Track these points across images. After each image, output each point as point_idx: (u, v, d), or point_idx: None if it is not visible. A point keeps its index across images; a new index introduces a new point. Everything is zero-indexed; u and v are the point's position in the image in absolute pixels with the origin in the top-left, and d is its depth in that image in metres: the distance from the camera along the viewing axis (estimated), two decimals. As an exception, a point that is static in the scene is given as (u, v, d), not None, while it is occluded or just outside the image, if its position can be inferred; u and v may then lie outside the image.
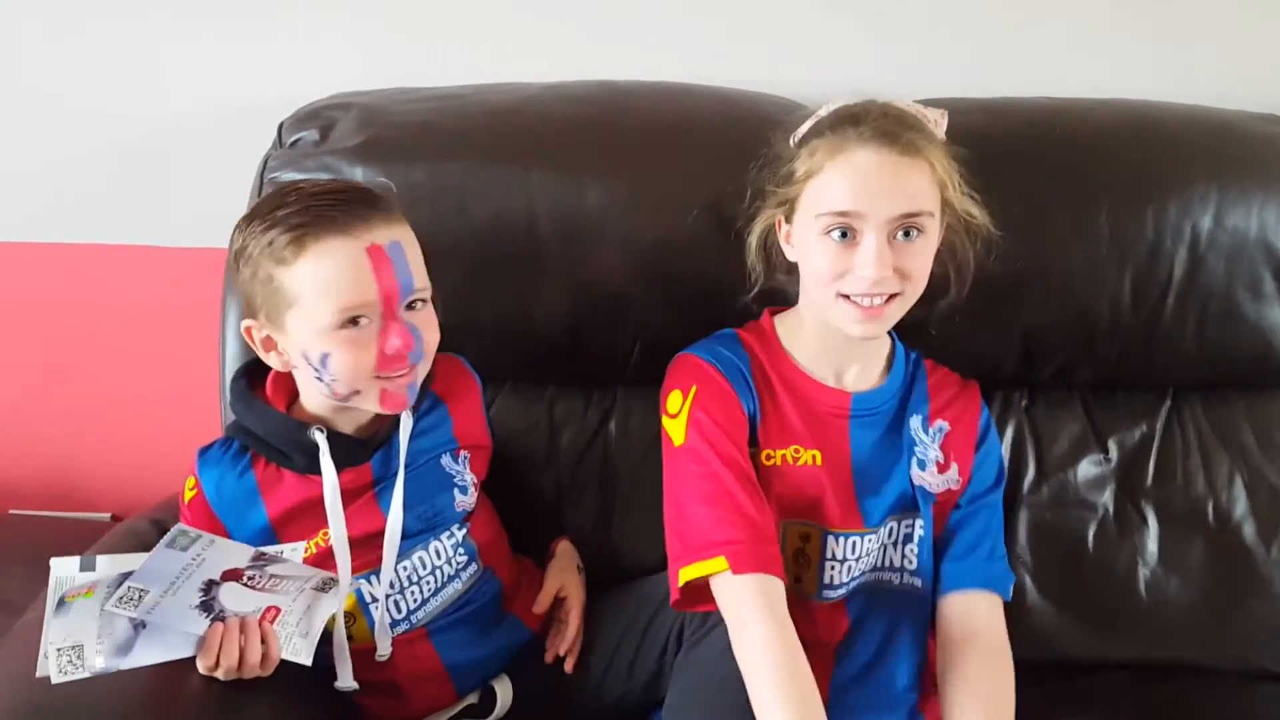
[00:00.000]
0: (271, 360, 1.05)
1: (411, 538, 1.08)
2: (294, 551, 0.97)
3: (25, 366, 1.64)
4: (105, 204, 1.54)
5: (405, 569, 1.08)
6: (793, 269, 1.12)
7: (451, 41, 1.43)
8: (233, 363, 1.29)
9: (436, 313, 1.06)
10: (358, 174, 1.21)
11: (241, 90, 1.45)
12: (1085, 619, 1.29)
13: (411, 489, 1.07)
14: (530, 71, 1.34)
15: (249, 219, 1.01)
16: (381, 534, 1.05)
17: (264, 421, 1.06)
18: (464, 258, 1.22)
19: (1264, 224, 1.25)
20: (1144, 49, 1.42)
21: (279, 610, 0.97)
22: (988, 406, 1.23)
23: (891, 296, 1.02)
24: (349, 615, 1.07)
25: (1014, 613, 1.25)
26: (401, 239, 1.00)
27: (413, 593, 1.09)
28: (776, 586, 0.99)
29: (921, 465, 1.13)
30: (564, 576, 1.20)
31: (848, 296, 1.02)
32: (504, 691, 1.15)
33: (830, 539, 1.10)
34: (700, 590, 1.02)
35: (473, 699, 1.14)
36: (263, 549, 0.94)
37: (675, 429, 1.09)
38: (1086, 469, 1.32)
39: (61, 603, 0.87)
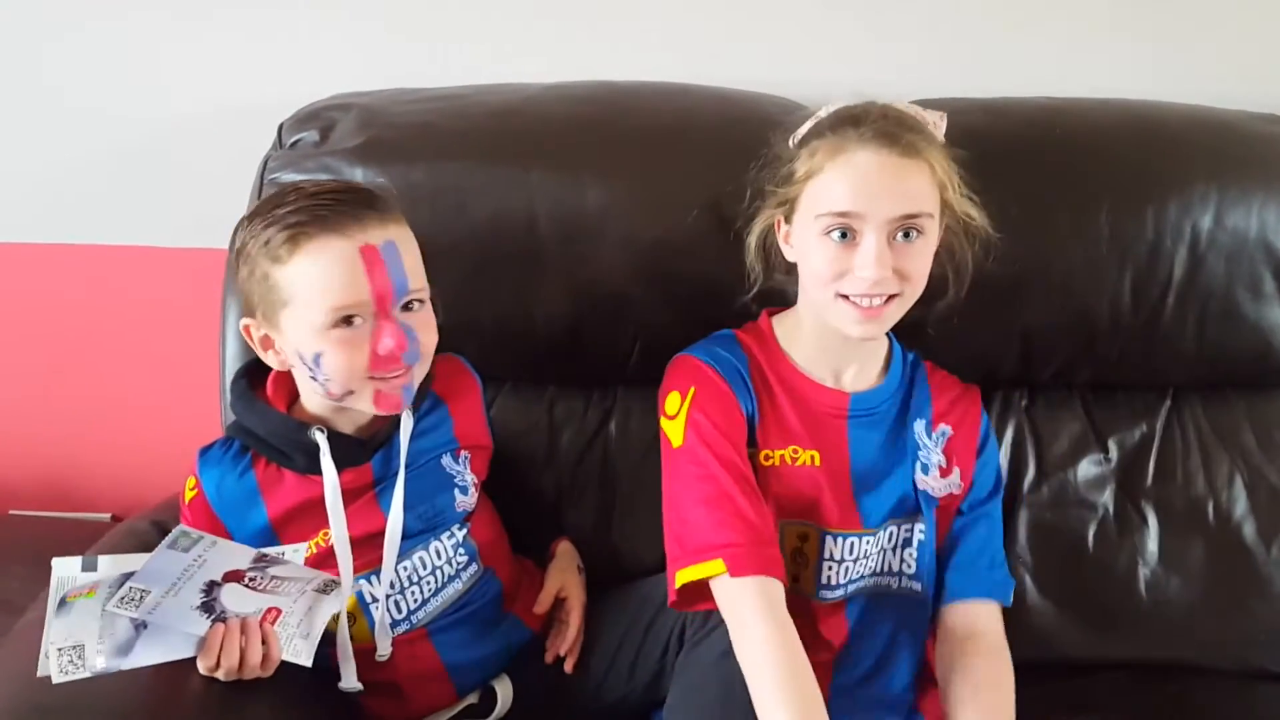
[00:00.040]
0: (269, 359, 1.05)
1: (412, 538, 1.08)
2: (296, 553, 0.97)
3: (25, 367, 1.64)
4: (105, 204, 1.54)
5: (405, 569, 1.08)
6: (791, 269, 1.12)
7: (451, 42, 1.43)
8: (233, 363, 1.29)
9: (436, 314, 1.06)
10: (358, 175, 1.21)
11: (242, 91, 1.45)
12: (1085, 619, 1.29)
13: (412, 489, 1.07)
14: (530, 72, 1.34)
15: (250, 218, 1.02)
16: (382, 534, 1.05)
17: (264, 422, 1.07)
18: (464, 258, 1.22)
19: (1264, 224, 1.25)
20: (1144, 49, 1.42)
21: (280, 611, 0.97)
22: (988, 406, 1.23)
23: (891, 297, 1.02)
24: (349, 615, 1.07)
25: (1014, 613, 1.25)
26: (397, 239, 1.00)
27: (413, 593, 1.09)
28: (776, 588, 0.99)
29: (925, 469, 1.13)
30: (564, 577, 1.20)
31: (847, 297, 1.03)
32: (504, 691, 1.15)
33: (828, 539, 1.10)
34: (697, 591, 1.02)
35: (473, 699, 1.14)
36: (264, 551, 0.94)
37: (674, 430, 1.09)
38: (1086, 469, 1.32)
39: (63, 603, 0.87)
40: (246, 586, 0.94)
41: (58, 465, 1.69)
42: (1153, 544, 1.30)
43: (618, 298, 1.25)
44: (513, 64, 1.41)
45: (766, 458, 1.09)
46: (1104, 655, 1.29)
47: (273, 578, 0.95)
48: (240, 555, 0.93)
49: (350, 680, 1.07)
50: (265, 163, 1.26)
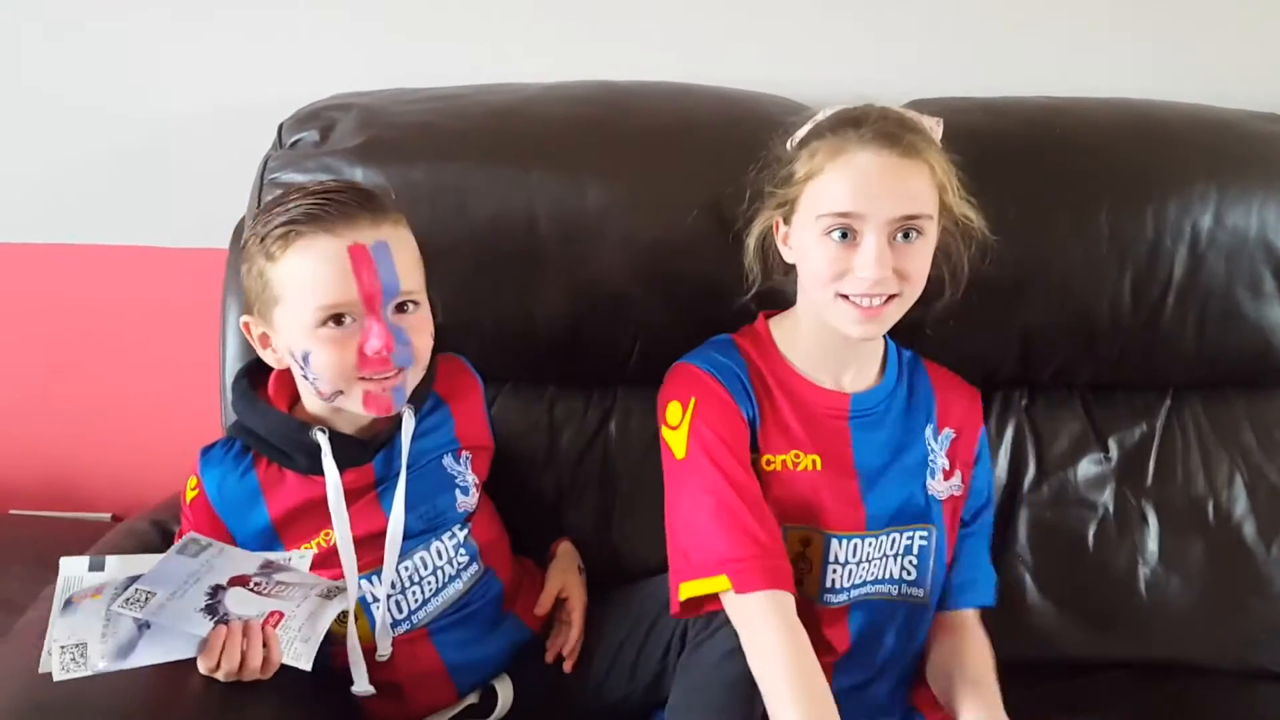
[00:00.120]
0: (267, 357, 1.06)
1: (413, 538, 1.08)
2: (302, 559, 0.97)
3: (26, 367, 1.64)
4: (105, 204, 1.54)
5: (406, 569, 1.08)
6: (790, 270, 1.12)
7: (451, 42, 1.43)
8: (233, 363, 1.29)
9: (435, 315, 1.06)
10: (358, 175, 1.21)
11: (242, 90, 1.45)
12: (1085, 618, 1.29)
13: (413, 489, 1.06)
14: (530, 72, 1.34)
15: (254, 216, 1.02)
16: (383, 534, 1.05)
17: (266, 421, 1.07)
18: (464, 258, 1.22)
19: (1264, 223, 1.25)
20: (1143, 48, 1.43)
21: (282, 615, 0.97)
22: (988, 406, 1.23)
23: (890, 297, 1.02)
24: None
25: (1014, 613, 1.27)
26: (390, 240, 0.99)
27: (414, 593, 1.09)
28: (786, 600, 0.99)
29: (932, 474, 1.13)
30: (565, 577, 1.20)
31: (847, 297, 1.03)
32: (505, 691, 1.14)
33: (833, 541, 1.09)
34: (699, 600, 1.03)
35: (473, 699, 1.14)
36: (271, 557, 0.94)
37: (676, 441, 1.08)
38: (1087, 468, 1.32)
39: (68, 603, 0.87)
40: (251, 590, 0.94)
41: (58, 465, 1.69)
42: (1153, 543, 1.30)
43: (618, 298, 1.25)
44: (513, 64, 1.41)
45: (768, 463, 1.09)
46: (1104, 654, 1.29)
47: (278, 583, 0.95)
48: (247, 562, 0.93)
49: (362, 684, 1.07)
50: (265, 163, 1.25)
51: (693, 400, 1.09)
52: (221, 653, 0.94)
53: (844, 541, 1.10)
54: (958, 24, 1.42)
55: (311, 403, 1.06)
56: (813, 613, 1.09)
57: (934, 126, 1.07)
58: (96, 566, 0.88)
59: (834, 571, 1.10)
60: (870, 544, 1.11)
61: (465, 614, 1.12)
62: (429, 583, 1.10)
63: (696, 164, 1.23)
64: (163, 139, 1.49)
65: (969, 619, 1.16)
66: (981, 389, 1.23)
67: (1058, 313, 1.27)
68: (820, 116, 1.07)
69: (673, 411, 1.10)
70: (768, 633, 0.98)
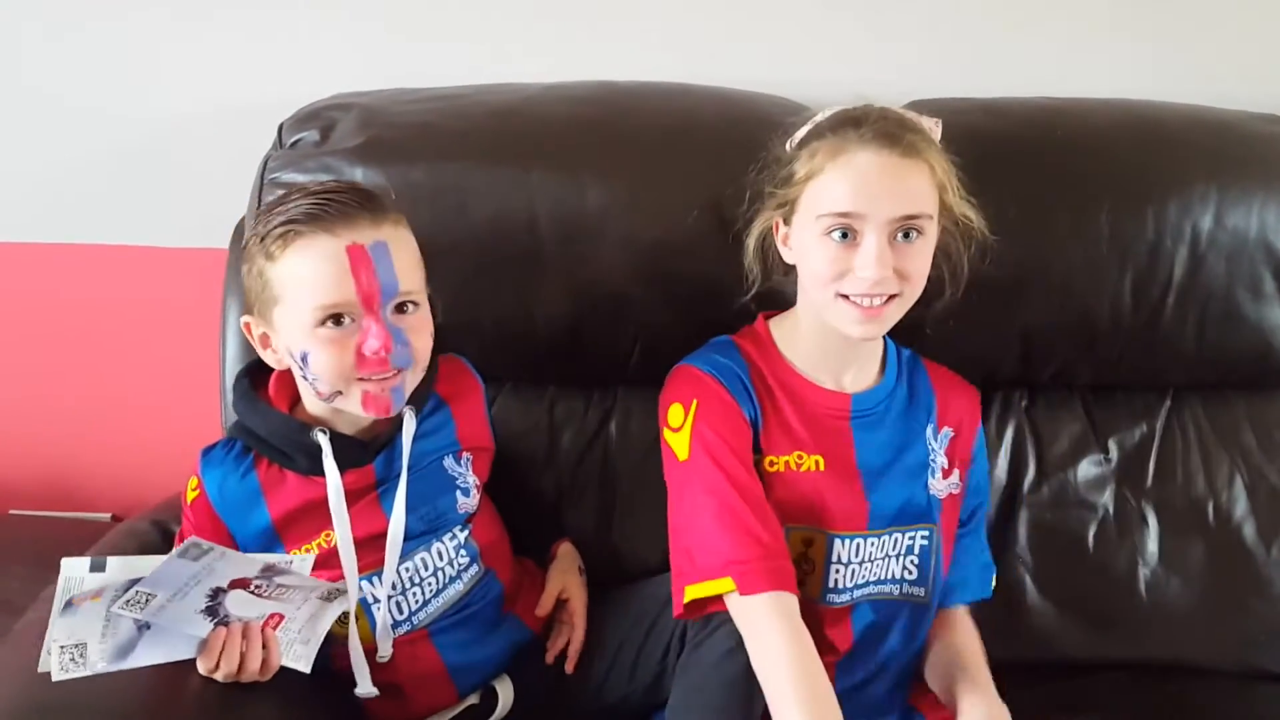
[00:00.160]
0: (268, 358, 1.06)
1: (414, 539, 1.08)
2: (303, 563, 0.97)
3: (25, 366, 1.64)
4: (105, 204, 1.54)
5: (407, 570, 1.08)
6: (790, 271, 1.12)
7: (452, 42, 1.43)
8: (233, 363, 1.29)
9: (435, 315, 1.06)
10: (358, 175, 1.21)
11: (242, 90, 1.45)
12: (1086, 619, 1.30)
13: (414, 491, 1.06)
14: (530, 72, 1.34)
15: (255, 216, 1.02)
16: (384, 535, 1.05)
17: (266, 422, 1.06)
18: (464, 258, 1.21)
19: (1264, 224, 1.25)
20: (1144, 49, 1.43)
21: (282, 617, 0.97)
22: (988, 406, 1.22)
23: (891, 297, 1.02)
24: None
25: (1014, 613, 1.27)
26: (390, 240, 0.99)
27: (414, 594, 1.09)
28: (790, 601, 0.99)
29: (933, 473, 1.14)
30: (566, 578, 1.20)
31: (847, 297, 1.03)
32: (505, 692, 1.14)
33: (836, 542, 1.09)
34: (702, 602, 1.03)
35: (474, 699, 1.14)
36: (272, 560, 0.94)
37: (678, 444, 1.08)
38: (1087, 469, 1.32)
39: (68, 604, 0.87)
40: (251, 593, 0.94)
41: (58, 465, 1.69)
42: (1153, 544, 1.30)
43: (618, 298, 1.25)
44: (513, 64, 1.41)
45: (771, 464, 1.09)
46: (1104, 655, 1.29)
47: (278, 585, 0.95)
48: (248, 565, 0.93)
49: (365, 686, 1.07)
50: (265, 163, 1.25)
51: (694, 402, 1.09)
52: (221, 654, 0.94)
53: (847, 542, 1.10)
54: (958, 24, 1.42)
55: (312, 403, 1.06)
56: (815, 613, 1.09)
57: (933, 127, 1.07)
58: (97, 567, 0.88)
59: (837, 572, 1.10)
60: (873, 544, 1.11)
61: (466, 615, 1.12)
62: (429, 584, 1.10)
63: (697, 164, 1.23)
64: (163, 139, 1.49)
65: (959, 612, 1.18)
66: (981, 389, 1.23)
67: (1058, 313, 1.27)
68: (820, 117, 1.07)
69: (674, 413, 1.10)
70: (772, 634, 0.98)
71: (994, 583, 1.22)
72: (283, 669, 0.98)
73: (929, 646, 1.17)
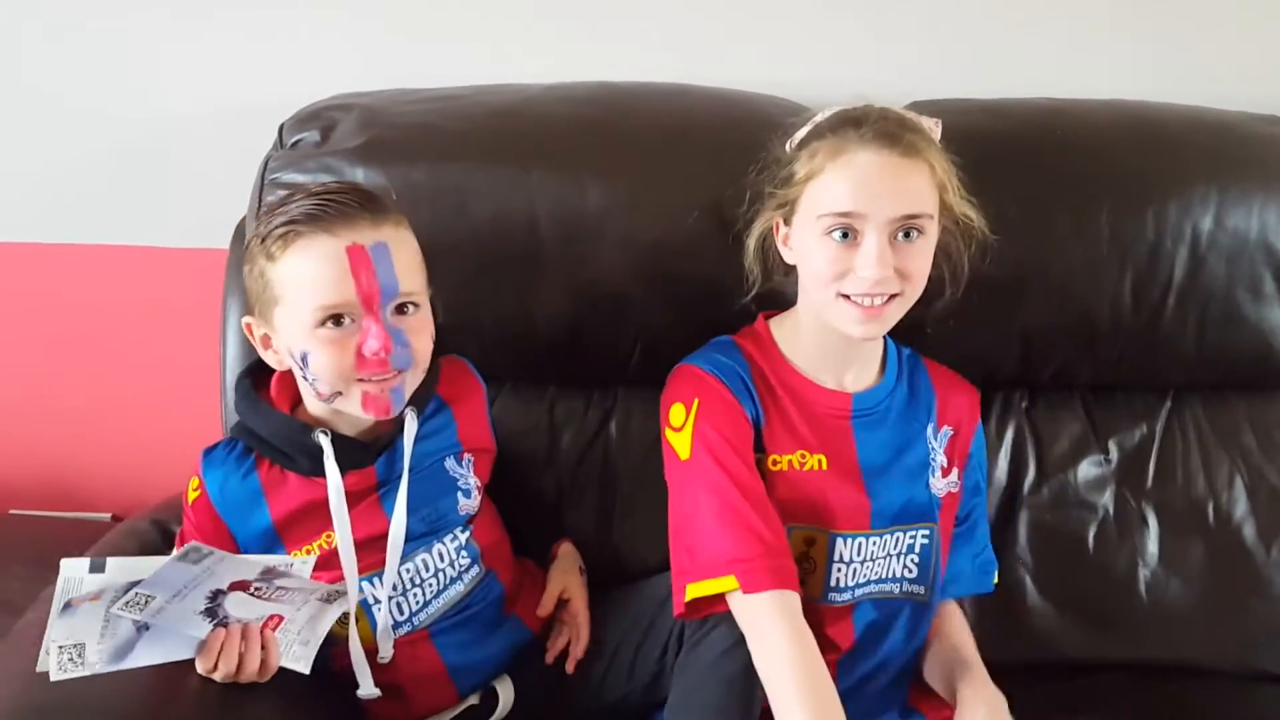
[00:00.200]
0: (269, 358, 1.06)
1: (415, 540, 1.07)
2: (304, 565, 0.96)
3: (26, 366, 1.64)
4: (106, 204, 1.54)
5: (408, 571, 1.08)
6: (790, 271, 1.12)
7: (452, 42, 1.43)
8: (233, 363, 1.29)
9: (435, 315, 1.06)
10: (358, 175, 1.21)
11: (242, 91, 1.45)
12: (1086, 619, 1.30)
13: (415, 492, 1.06)
14: (531, 72, 1.34)
15: (256, 216, 1.02)
16: (385, 537, 1.05)
17: (268, 423, 1.06)
18: (465, 258, 1.21)
19: (1264, 225, 1.25)
20: (1144, 50, 1.43)
21: (282, 618, 0.97)
22: (988, 407, 1.22)
23: (891, 297, 1.02)
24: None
25: (1014, 613, 1.27)
26: (390, 241, 0.99)
27: (415, 595, 1.09)
28: (792, 599, 1.00)
29: (933, 472, 1.14)
30: (566, 578, 1.20)
31: (848, 296, 1.03)
32: (505, 692, 1.14)
33: (838, 541, 1.10)
34: (703, 601, 1.03)
35: (474, 700, 1.14)
36: (272, 563, 0.94)
37: (680, 443, 1.08)
38: (1087, 470, 1.32)
39: (68, 605, 0.87)
40: (251, 595, 0.94)
41: (58, 465, 1.69)
42: (1153, 545, 1.30)
43: (618, 299, 1.25)
44: (513, 64, 1.41)
45: (774, 462, 1.09)
46: (1104, 656, 1.30)
47: (278, 588, 0.95)
48: (248, 568, 0.93)
49: (368, 688, 1.07)
50: (266, 163, 1.25)
51: (696, 401, 1.09)
52: (219, 654, 0.94)
53: (849, 541, 1.10)
54: (958, 25, 1.42)
55: (313, 404, 1.06)
56: (816, 612, 1.09)
57: (933, 126, 1.07)
58: (97, 568, 0.88)
59: (839, 570, 1.10)
60: (875, 543, 1.11)
61: (466, 616, 1.12)
62: (430, 585, 1.09)
63: (697, 165, 1.23)
64: (164, 139, 1.49)
65: (950, 606, 1.20)
66: (982, 390, 1.23)
67: (1058, 314, 1.27)
68: (820, 117, 1.07)
69: (676, 413, 1.10)
70: (774, 633, 0.98)
71: (996, 579, 1.22)
72: (282, 670, 0.98)
73: (926, 644, 1.17)
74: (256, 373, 1.11)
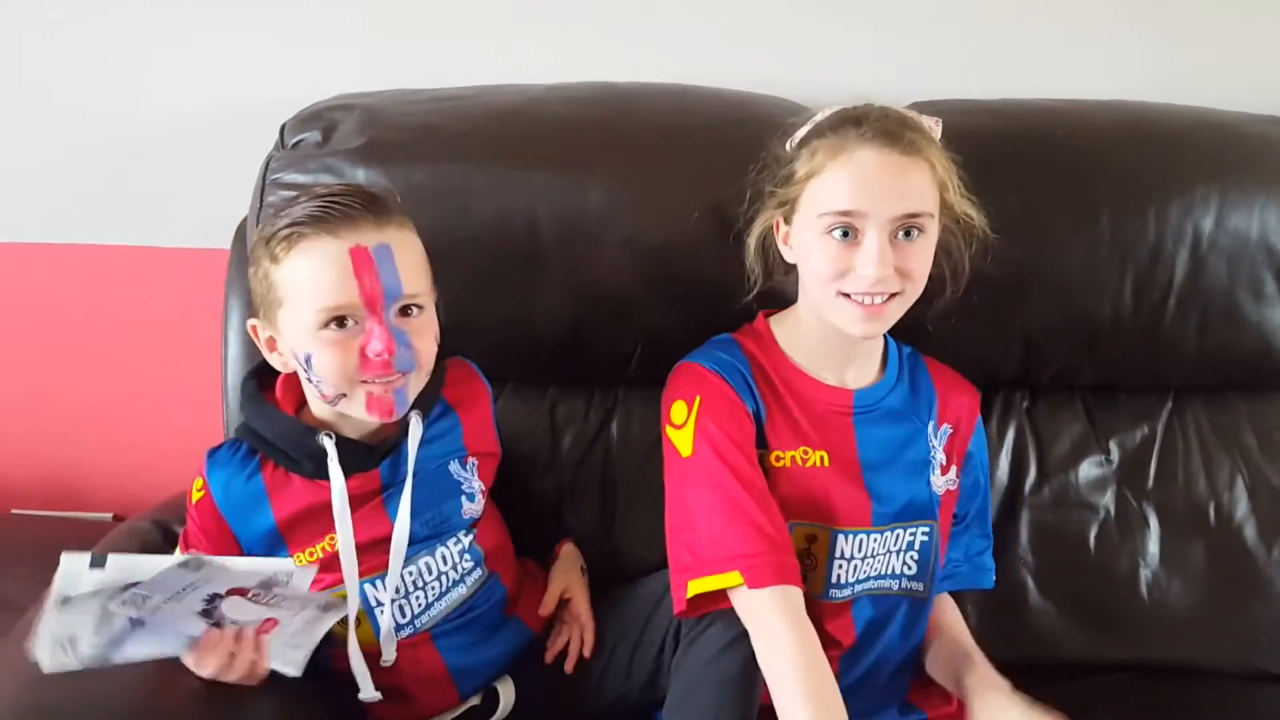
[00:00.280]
0: (274, 361, 1.06)
1: (418, 544, 1.07)
2: (304, 576, 0.95)
3: (27, 367, 1.64)
4: (107, 205, 1.54)
5: (411, 574, 1.08)
6: (791, 270, 1.12)
7: (454, 43, 1.43)
8: (234, 363, 1.29)
9: (439, 317, 1.06)
10: (360, 176, 1.21)
11: (244, 91, 1.45)
12: (1087, 620, 1.30)
13: (419, 496, 1.06)
14: (532, 73, 1.34)
15: (257, 216, 1.02)
16: (388, 540, 1.05)
17: (273, 425, 1.06)
18: (466, 259, 1.21)
19: (1265, 225, 1.25)
20: (1145, 50, 1.43)
21: (276, 622, 0.97)
22: (989, 407, 1.22)
23: (892, 295, 1.02)
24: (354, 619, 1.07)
25: (1016, 613, 1.27)
26: (394, 243, 0.99)
27: (417, 597, 1.09)
28: (795, 595, 1.00)
29: (933, 469, 1.14)
30: (568, 578, 1.21)
31: (848, 295, 1.03)
32: (506, 693, 1.15)
33: (839, 537, 1.10)
34: (705, 598, 1.03)
35: (475, 701, 1.14)
36: (270, 571, 0.93)
37: (682, 440, 1.08)
38: (1088, 470, 1.32)
39: (66, 600, 0.87)
40: (249, 600, 0.94)
41: (59, 465, 1.69)
42: (1154, 546, 1.30)
43: (619, 299, 1.25)
44: (515, 65, 1.41)
45: (777, 459, 1.09)
46: (1105, 656, 1.30)
47: (275, 594, 0.95)
48: (247, 578, 0.92)
49: (368, 691, 1.07)
50: (267, 163, 1.25)
51: (698, 398, 1.09)
52: (210, 653, 0.94)
53: (850, 537, 1.10)
54: (959, 25, 1.42)
55: (318, 407, 1.06)
56: (817, 608, 1.09)
57: (933, 125, 1.07)
58: (97, 564, 0.87)
59: (839, 567, 1.10)
60: (875, 540, 1.11)
61: (469, 618, 1.12)
62: (433, 587, 1.09)
63: (698, 165, 1.23)
64: (166, 139, 1.49)
65: (944, 598, 1.21)
66: (983, 390, 1.23)
67: (1059, 314, 1.27)
68: (820, 116, 1.07)
69: (677, 410, 1.10)
70: (778, 628, 0.98)
71: (994, 576, 1.23)
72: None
73: (926, 640, 1.18)
74: (262, 374, 1.11)
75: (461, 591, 1.11)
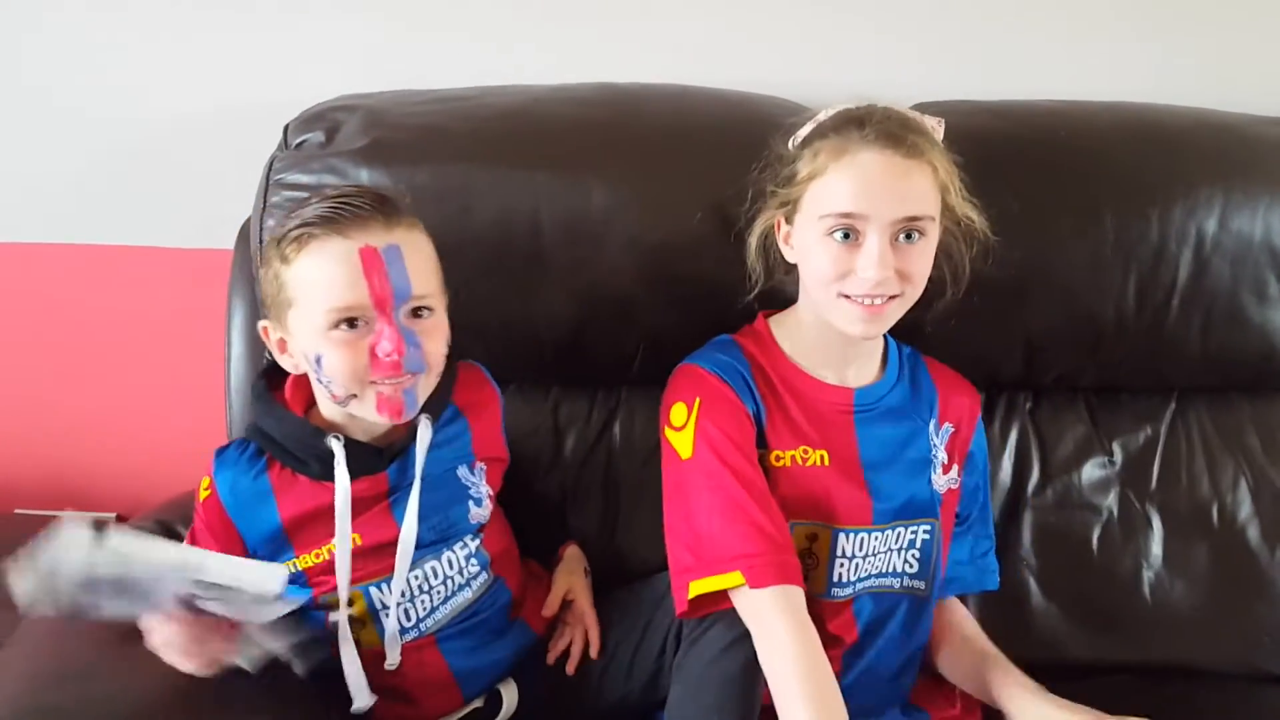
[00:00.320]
0: (284, 362, 1.06)
1: (424, 548, 1.07)
2: (296, 598, 0.95)
3: (30, 367, 1.64)
4: (109, 205, 1.54)
5: (416, 578, 1.08)
6: (792, 270, 1.12)
7: (457, 43, 1.44)
8: (237, 363, 1.29)
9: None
10: (363, 176, 1.21)
11: (247, 91, 1.45)
12: (1090, 621, 1.30)
13: (426, 500, 1.06)
14: (534, 74, 1.34)
15: (259, 216, 1.02)
16: (394, 543, 1.05)
17: (281, 425, 1.06)
18: (469, 260, 1.21)
19: (1269, 227, 1.25)
20: (1148, 51, 1.43)
21: (246, 619, 0.97)
22: (992, 408, 1.22)
23: (892, 297, 1.02)
24: (358, 621, 1.07)
25: (1018, 615, 1.27)
26: (403, 244, 0.99)
27: (423, 601, 1.08)
28: (797, 595, 1.00)
29: (934, 468, 1.14)
30: (571, 579, 1.20)
31: (849, 296, 1.03)
32: (509, 696, 1.14)
33: (840, 536, 1.10)
34: (706, 599, 1.03)
35: (478, 703, 1.14)
36: (259, 593, 0.91)
37: (682, 442, 1.08)
38: (1091, 472, 1.32)
39: (57, 567, 0.86)
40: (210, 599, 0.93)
41: (62, 464, 1.69)
42: (1157, 547, 1.30)
43: (622, 300, 1.25)
44: (518, 66, 1.41)
45: (777, 458, 1.09)
46: (1108, 658, 1.29)
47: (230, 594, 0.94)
48: (240, 603, 0.92)
49: (362, 700, 1.07)
50: (270, 164, 1.25)
51: (698, 400, 1.09)
52: (169, 628, 0.94)
53: (851, 536, 1.10)
54: (961, 26, 1.42)
55: (328, 408, 1.06)
56: (818, 607, 1.10)
57: (936, 126, 1.07)
58: (98, 541, 0.86)
59: (841, 566, 1.10)
60: (877, 538, 1.11)
61: (474, 622, 1.12)
62: (439, 591, 1.09)
63: (701, 166, 1.23)
64: (168, 139, 1.49)
65: (953, 602, 1.21)
66: (985, 391, 1.23)
67: (1062, 316, 1.27)
68: (823, 116, 1.07)
69: (677, 412, 1.10)
70: (779, 628, 0.98)
71: (998, 577, 1.23)
72: (283, 671, 0.98)
73: (939, 644, 1.17)
74: (272, 375, 1.11)
75: (467, 595, 1.11)
